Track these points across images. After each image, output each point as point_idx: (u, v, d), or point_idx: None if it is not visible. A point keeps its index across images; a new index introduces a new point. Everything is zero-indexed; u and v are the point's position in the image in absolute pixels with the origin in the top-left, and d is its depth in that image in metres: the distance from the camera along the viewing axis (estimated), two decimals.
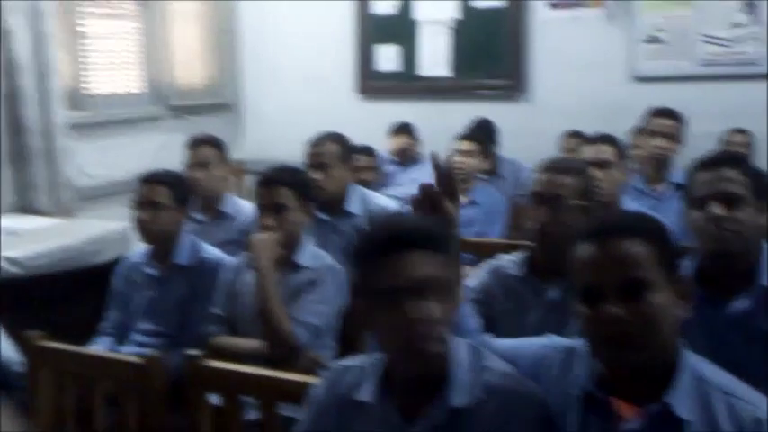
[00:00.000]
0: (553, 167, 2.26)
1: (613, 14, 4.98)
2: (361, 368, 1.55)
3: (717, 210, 1.92)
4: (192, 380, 1.98)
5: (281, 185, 2.59)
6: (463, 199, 4.01)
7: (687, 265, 2.05)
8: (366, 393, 1.50)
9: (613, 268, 1.36)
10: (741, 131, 4.54)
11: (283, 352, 2.43)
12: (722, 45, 4.74)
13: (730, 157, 2.07)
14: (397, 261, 1.41)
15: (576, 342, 1.50)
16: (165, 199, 2.80)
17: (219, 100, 5.91)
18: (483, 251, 2.93)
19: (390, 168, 5.15)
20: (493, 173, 4.65)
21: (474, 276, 2.33)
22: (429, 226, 1.49)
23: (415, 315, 1.38)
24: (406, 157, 5.20)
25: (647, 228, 1.42)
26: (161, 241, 2.84)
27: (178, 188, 2.86)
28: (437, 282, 1.42)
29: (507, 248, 2.56)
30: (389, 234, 1.45)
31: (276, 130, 5.77)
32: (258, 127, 6.03)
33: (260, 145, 5.83)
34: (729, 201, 1.93)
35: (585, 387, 1.43)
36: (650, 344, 1.35)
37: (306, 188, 2.69)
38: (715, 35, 4.75)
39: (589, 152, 2.86)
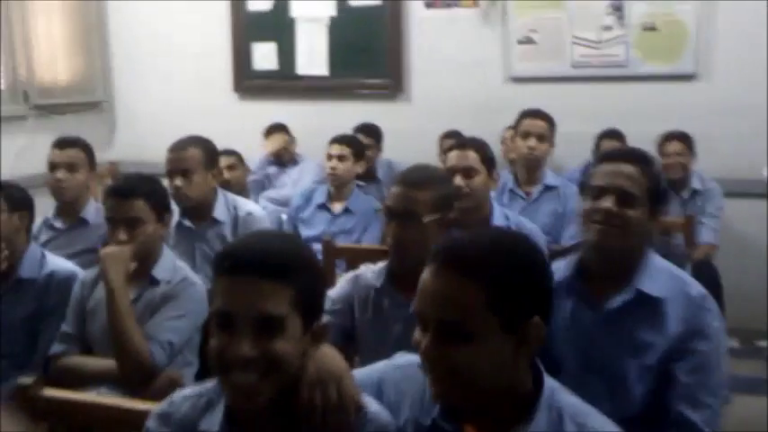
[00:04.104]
0: (406, 181, 2.19)
1: (487, 15, 5.00)
2: (202, 396, 1.45)
3: (607, 203, 1.89)
4: (23, 411, 1.82)
5: (134, 197, 2.43)
6: (339, 206, 3.93)
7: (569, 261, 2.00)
8: (210, 423, 1.40)
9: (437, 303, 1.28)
10: (616, 135, 4.46)
11: (137, 372, 2.30)
12: (592, 47, 4.83)
13: (634, 154, 1.98)
14: (236, 285, 1.30)
15: None
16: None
17: (88, 98, 5.64)
18: (357, 257, 2.85)
19: (270, 170, 5.04)
20: (371, 177, 4.59)
21: (336, 286, 2.26)
22: (280, 254, 1.34)
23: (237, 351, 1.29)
24: (285, 158, 5.10)
25: (482, 265, 1.29)
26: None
27: (11, 194, 2.65)
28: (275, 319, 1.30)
29: (381, 254, 2.47)
30: (237, 255, 1.33)
31: (150, 130, 5.50)
32: (131, 127, 5.79)
33: (133, 146, 5.60)
34: (622, 197, 1.89)
35: (434, 415, 1.35)
36: (474, 390, 1.28)
37: (162, 198, 2.55)
38: (585, 37, 4.84)
39: (454, 159, 2.80)
